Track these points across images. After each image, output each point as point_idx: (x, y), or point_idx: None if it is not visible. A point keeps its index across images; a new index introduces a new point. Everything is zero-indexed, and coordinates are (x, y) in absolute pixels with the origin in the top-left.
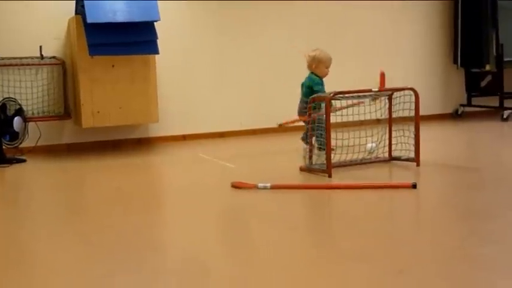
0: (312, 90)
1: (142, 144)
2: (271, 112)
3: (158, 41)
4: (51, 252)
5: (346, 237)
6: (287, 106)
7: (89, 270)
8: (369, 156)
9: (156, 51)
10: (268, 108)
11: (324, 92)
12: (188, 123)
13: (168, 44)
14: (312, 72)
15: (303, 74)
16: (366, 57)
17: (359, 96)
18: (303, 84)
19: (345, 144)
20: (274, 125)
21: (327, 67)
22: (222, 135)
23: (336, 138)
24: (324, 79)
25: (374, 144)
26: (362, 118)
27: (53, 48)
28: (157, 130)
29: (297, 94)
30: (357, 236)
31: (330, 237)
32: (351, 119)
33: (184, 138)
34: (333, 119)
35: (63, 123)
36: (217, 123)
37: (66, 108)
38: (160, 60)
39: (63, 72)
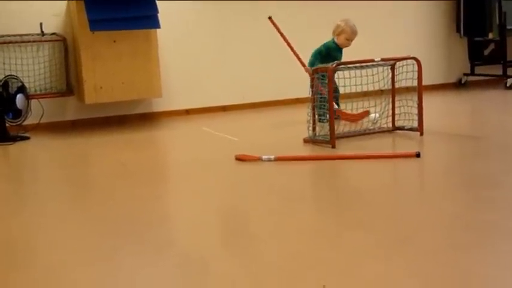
0: (317, 57)
1: (145, 119)
2: (273, 85)
3: (159, 15)
4: (56, 227)
5: (351, 207)
6: (289, 79)
7: (95, 244)
8: (372, 127)
9: (157, 25)
10: (271, 82)
11: (337, 58)
12: (191, 98)
13: (170, 18)
14: (332, 40)
15: (305, 46)
16: (369, 27)
17: (361, 66)
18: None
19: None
20: (277, 97)
21: (348, 39)
22: (224, 108)
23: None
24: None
25: (377, 115)
26: (365, 89)
27: (53, 24)
28: (160, 105)
29: (298, 67)
30: (361, 205)
31: (334, 208)
32: (354, 89)
33: (187, 112)
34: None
35: (66, 99)
36: (220, 97)
37: (69, 84)
38: (162, 34)
39: (65, 49)
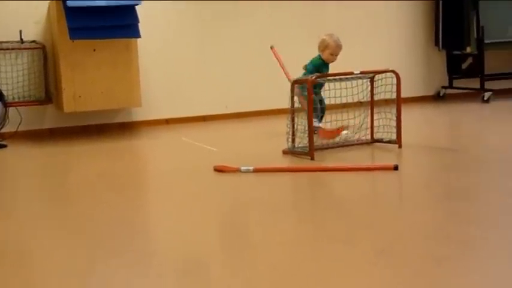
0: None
1: (125, 128)
2: (255, 96)
3: (140, 25)
4: (33, 237)
5: (329, 219)
6: (271, 90)
7: (72, 255)
8: (348, 140)
9: (137, 34)
10: (252, 92)
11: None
12: (171, 107)
13: (150, 28)
14: (318, 56)
15: (288, 57)
16: (347, 40)
17: (340, 79)
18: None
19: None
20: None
21: (333, 54)
22: (204, 119)
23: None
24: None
25: (349, 132)
26: (344, 101)
27: (33, 32)
28: (140, 114)
29: (278, 76)
30: (339, 217)
31: (312, 219)
32: (333, 101)
33: (167, 122)
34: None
35: (44, 108)
36: (200, 107)
37: (47, 92)
38: (143, 44)
39: (44, 57)
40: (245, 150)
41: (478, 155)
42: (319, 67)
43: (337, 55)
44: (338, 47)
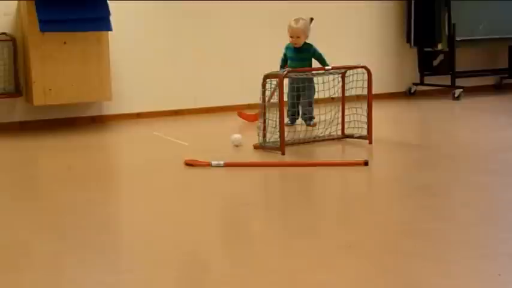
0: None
1: (96, 122)
2: (226, 90)
3: (111, 18)
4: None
5: (298, 214)
6: (243, 84)
7: (39, 248)
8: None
9: (109, 28)
10: (224, 87)
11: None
12: (142, 101)
13: (122, 21)
14: None
15: (255, 51)
16: (320, 36)
17: (312, 74)
18: None
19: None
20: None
21: (291, 36)
22: (176, 113)
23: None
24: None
25: (239, 136)
26: (316, 96)
27: (2, 24)
28: (111, 108)
29: (248, 71)
30: (308, 212)
31: (281, 214)
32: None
33: (138, 116)
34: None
35: (14, 100)
36: (172, 101)
37: (17, 85)
38: (114, 37)
39: (14, 49)
40: (216, 145)
41: (447, 152)
42: (285, 50)
43: (293, 37)
44: (289, 28)
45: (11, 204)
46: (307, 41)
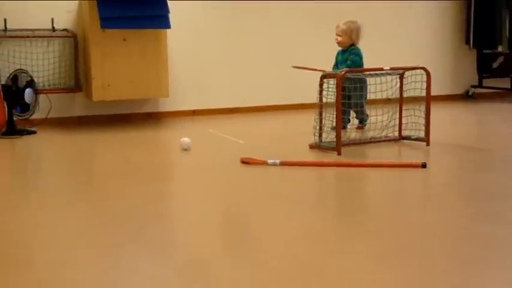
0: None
1: (152, 118)
2: (282, 89)
3: (170, 16)
4: (57, 222)
5: (355, 215)
6: (298, 83)
7: (98, 239)
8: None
9: (167, 25)
10: (279, 85)
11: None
12: (198, 99)
13: (179, 19)
14: None
15: (314, 51)
16: (378, 36)
17: (370, 75)
18: None
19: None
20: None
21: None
22: (231, 111)
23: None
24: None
25: (188, 140)
26: (373, 97)
27: (64, 20)
28: (167, 105)
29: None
30: (365, 213)
31: (337, 214)
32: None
33: (193, 113)
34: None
35: (73, 95)
36: (227, 98)
37: (77, 81)
38: (171, 34)
39: (75, 45)
40: (272, 143)
41: (506, 155)
42: (336, 55)
43: (336, 35)
44: (336, 27)
45: (69, 194)
46: (358, 46)
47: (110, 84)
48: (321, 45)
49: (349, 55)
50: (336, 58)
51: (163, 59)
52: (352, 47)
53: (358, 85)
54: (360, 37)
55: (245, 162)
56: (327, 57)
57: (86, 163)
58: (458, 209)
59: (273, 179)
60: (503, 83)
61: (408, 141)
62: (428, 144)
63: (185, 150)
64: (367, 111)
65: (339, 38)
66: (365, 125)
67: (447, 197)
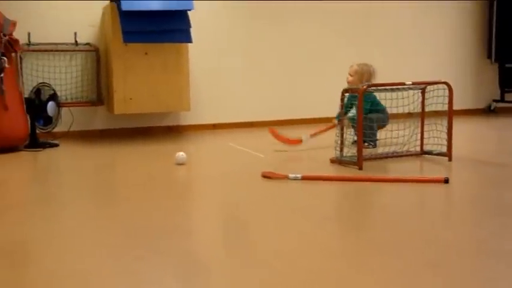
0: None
1: (172, 131)
2: (301, 103)
3: (191, 30)
4: (82, 233)
5: (376, 230)
6: (318, 97)
7: (120, 252)
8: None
9: (189, 39)
10: (299, 100)
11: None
12: (218, 112)
13: (201, 33)
14: None
15: (333, 65)
16: (399, 50)
17: (392, 89)
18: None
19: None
20: (305, 115)
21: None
22: (251, 125)
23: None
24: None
25: (184, 154)
26: (394, 111)
27: (87, 34)
28: (187, 118)
29: (326, 84)
30: (387, 229)
31: (360, 230)
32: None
33: (214, 127)
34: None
35: (95, 109)
36: (247, 112)
37: (99, 94)
38: (193, 49)
39: (97, 59)
40: (292, 157)
41: None
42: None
43: (349, 74)
44: (350, 67)
45: (91, 207)
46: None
47: (132, 97)
48: (340, 60)
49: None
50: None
51: (184, 73)
52: (370, 94)
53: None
54: (371, 81)
55: (266, 176)
56: (346, 73)
57: (107, 176)
58: (481, 226)
59: (295, 193)
60: None
61: (430, 156)
62: (450, 160)
63: (180, 164)
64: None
65: (350, 78)
66: (372, 145)
67: (470, 213)
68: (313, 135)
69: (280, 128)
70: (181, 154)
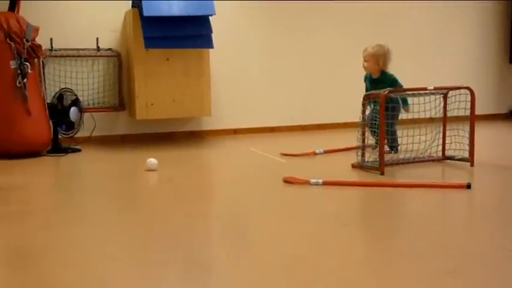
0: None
1: (194, 137)
2: (323, 108)
3: (213, 36)
4: (103, 238)
5: (398, 235)
6: (339, 103)
7: (142, 258)
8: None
9: (210, 45)
10: (320, 105)
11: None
12: (239, 118)
13: (222, 39)
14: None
15: (356, 69)
16: (420, 55)
17: (413, 94)
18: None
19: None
20: (326, 120)
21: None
22: (272, 130)
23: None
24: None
25: (155, 160)
26: (416, 116)
27: (109, 40)
28: (209, 123)
29: (348, 89)
30: (408, 234)
31: (381, 235)
32: (404, 116)
33: (235, 132)
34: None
35: (117, 114)
36: (268, 118)
37: (121, 99)
38: (214, 54)
39: (119, 64)
40: (313, 163)
41: None
42: (365, 81)
43: (364, 61)
44: (364, 51)
45: (113, 212)
46: (388, 72)
47: (153, 103)
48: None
49: (384, 84)
50: (366, 84)
51: (205, 78)
52: (385, 74)
53: (390, 113)
54: (388, 62)
55: (288, 181)
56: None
57: (129, 181)
58: (503, 231)
59: (316, 198)
60: None
61: (452, 161)
62: (472, 165)
63: (152, 170)
64: (399, 136)
65: (365, 64)
66: (394, 151)
67: (492, 219)
68: (327, 152)
69: (302, 134)
70: (152, 160)
